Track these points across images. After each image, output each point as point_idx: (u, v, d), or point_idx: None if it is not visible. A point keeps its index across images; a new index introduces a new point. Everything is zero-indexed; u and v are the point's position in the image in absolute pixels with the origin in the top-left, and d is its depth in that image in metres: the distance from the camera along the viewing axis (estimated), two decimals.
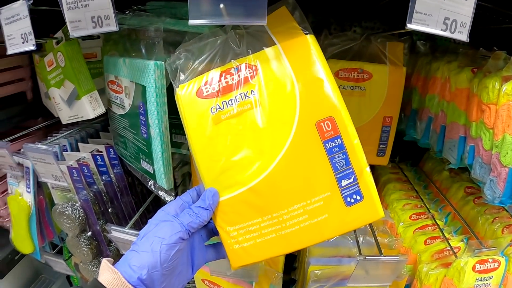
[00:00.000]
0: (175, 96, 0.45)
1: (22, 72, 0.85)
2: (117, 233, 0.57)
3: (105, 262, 0.41)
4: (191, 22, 0.38)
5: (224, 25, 0.46)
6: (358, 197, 0.41)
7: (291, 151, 0.41)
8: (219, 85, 0.43)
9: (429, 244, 0.69)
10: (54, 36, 0.63)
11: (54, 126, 0.86)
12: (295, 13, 0.44)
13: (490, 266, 0.58)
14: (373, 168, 0.93)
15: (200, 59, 0.45)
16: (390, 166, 0.90)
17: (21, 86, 0.86)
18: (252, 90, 0.43)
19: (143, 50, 0.56)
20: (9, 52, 0.55)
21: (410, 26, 0.36)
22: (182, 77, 0.45)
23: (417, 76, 0.75)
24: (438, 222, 0.71)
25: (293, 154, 0.41)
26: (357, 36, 0.66)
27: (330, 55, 0.65)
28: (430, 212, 0.74)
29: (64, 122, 0.69)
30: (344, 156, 0.41)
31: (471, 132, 0.57)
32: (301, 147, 0.41)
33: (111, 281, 0.38)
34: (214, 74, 0.44)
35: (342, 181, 0.41)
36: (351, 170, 0.41)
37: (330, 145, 0.41)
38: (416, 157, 0.93)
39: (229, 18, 0.38)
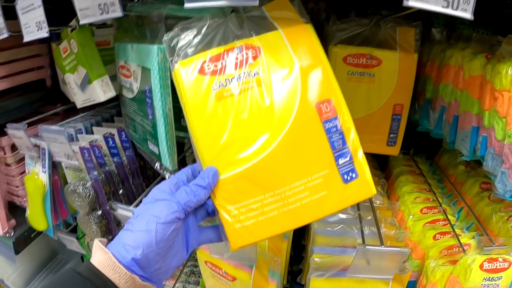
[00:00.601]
0: (173, 72, 0.45)
1: (42, 60, 0.89)
2: (123, 211, 0.59)
3: (96, 243, 0.39)
4: (188, 5, 0.39)
5: (224, 8, 0.47)
6: (354, 175, 0.43)
7: (293, 129, 0.42)
8: (222, 63, 0.44)
9: (438, 239, 0.67)
10: (69, 24, 0.67)
11: (72, 112, 0.90)
12: (294, 2, 0.46)
13: (500, 265, 0.55)
14: (385, 159, 0.92)
15: (200, 38, 0.45)
16: (404, 158, 0.88)
17: (40, 73, 0.90)
18: (255, 70, 0.43)
19: (148, 36, 0.57)
20: (26, 39, 0.58)
21: (409, 3, 0.34)
22: (181, 54, 0.45)
23: (431, 64, 0.72)
24: (449, 217, 0.69)
25: (295, 132, 0.42)
26: (367, 22, 0.64)
27: (338, 41, 0.64)
28: (442, 206, 0.72)
29: (78, 106, 0.72)
30: (341, 136, 0.43)
31: (484, 122, 0.54)
32: (303, 126, 0.42)
33: (102, 261, 0.37)
34: (216, 52, 0.44)
35: (339, 159, 0.43)
36: (347, 149, 0.43)
37: (329, 125, 0.43)
38: (432, 150, 0.90)
39: (225, 0, 0.38)
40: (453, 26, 0.77)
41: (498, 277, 0.56)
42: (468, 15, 0.36)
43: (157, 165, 0.61)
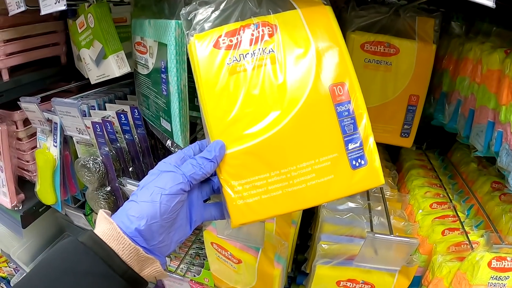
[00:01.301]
0: (188, 45, 0.45)
1: (57, 36, 0.90)
2: (132, 187, 0.59)
3: (101, 213, 0.39)
4: None
5: None
6: (363, 162, 0.42)
7: (304, 109, 0.42)
8: (237, 38, 0.44)
9: (446, 235, 0.66)
10: (87, 0, 0.67)
11: (85, 90, 0.90)
12: None
13: (508, 265, 0.54)
14: (397, 152, 0.91)
15: (217, 13, 0.45)
16: (416, 152, 0.87)
17: (55, 50, 0.91)
18: (271, 47, 0.43)
19: (167, 11, 0.57)
20: (43, 12, 0.58)
21: None
22: (198, 27, 0.45)
23: (449, 58, 0.71)
24: (459, 214, 0.68)
25: (306, 112, 0.42)
26: (386, 9, 0.63)
27: (356, 27, 0.63)
28: (452, 202, 0.71)
29: (93, 82, 0.72)
30: (353, 121, 0.42)
31: (500, 117, 0.53)
32: (314, 107, 0.42)
33: (106, 232, 0.37)
34: (233, 27, 0.44)
35: (349, 144, 0.42)
36: (358, 135, 0.42)
37: (341, 108, 0.42)
38: (444, 146, 0.89)
39: None
40: (473, 20, 0.75)
41: (505, 276, 0.55)
42: (490, 2, 0.35)
43: (168, 142, 0.61)
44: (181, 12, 0.46)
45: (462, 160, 0.82)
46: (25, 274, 0.45)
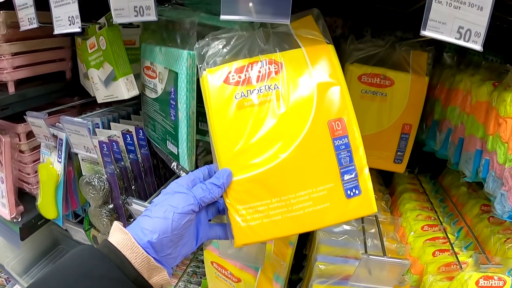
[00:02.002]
0: (201, 78, 0.49)
1: (63, 52, 0.92)
2: (137, 206, 0.61)
3: (116, 224, 0.43)
4: (223, 17, 0.43)
5: (253, 22, 0.50)
6: (357, 192, 0.45)
7: (304, 142, 0.45)
8: (245, 74, 0.47)
9: (437, 256, 0.69)
10: (97, 21, 0.69)
11: (88, 105, 0.92)
12: (319, 22, 0.49)
13: (495, 283, 0.57)
14: (390, 176, 0.95)
15: (228, 48, 0.49)
16: (408, 176, 0.90)
17: (61, 65, 0.93)
18: (275, 84, 0.47)
19: (178, 40, 0.60)
20: (56, 32, 0.60)
21: (425, 32, 0.37)
22: (210, 62, 0.48)
23: (441, 87, 0.75)
24: (449, 235, 0.71)
25: (305, 146, 0.45)
26: (383, 43, 0.67)
27: (354, 60, 0.67)
28: (442, 225, 0.74)
29: (99, 101, 0.74)
30: (349, 154, 0.46)
31: (488, 146, 0.57)
32: (313, 141, 0.45)
33: (121, 241, 0.41)
34: (241, 63, 0.48)
35: (345, 175, 0.45)
36: (354, 167, 0.45)
37: (338, 142, 0.45)
38: (436, 170, 0.93)
39: (257, 16, 0.42)
40: (464, 51, 0.80)
41: None
42: (478, 47, 0.39)
43: (174, 164, 0.63)
44: (195, 46, 0.50)
45: (452, 183, 0.86)
46: (37, 277, 0.47)
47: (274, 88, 0.46)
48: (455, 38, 0.39)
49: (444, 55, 0.78)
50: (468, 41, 0.39)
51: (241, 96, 0.46)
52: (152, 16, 0.50)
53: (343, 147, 0.45)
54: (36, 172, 0.88)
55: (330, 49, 0.48)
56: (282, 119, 0.46)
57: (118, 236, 0.41)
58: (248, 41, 0.49)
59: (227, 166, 0.46)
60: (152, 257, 0.41)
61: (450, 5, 0.38)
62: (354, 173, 0.45)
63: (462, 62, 0.77)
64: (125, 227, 0.43)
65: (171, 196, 0.44)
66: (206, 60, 0.49)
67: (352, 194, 0.45)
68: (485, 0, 0.38)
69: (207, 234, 0.49)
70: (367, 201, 0.45)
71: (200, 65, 0.49)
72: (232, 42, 0.49)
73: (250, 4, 0.41)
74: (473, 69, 0.70)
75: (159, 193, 0.47)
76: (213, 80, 0.47)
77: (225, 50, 0.49)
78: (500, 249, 0.66)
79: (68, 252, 0.42)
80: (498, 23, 0.61)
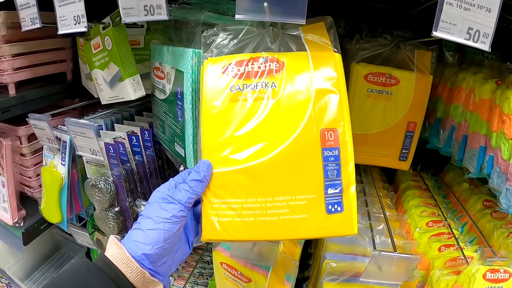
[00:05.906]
0: (201, 67, 0.48)
1: (64, 53, 0.91)
2: None
3: (112, 239, 0.43)
4: (237, 17, 0.42)
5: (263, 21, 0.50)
6: (339, 208, 0.43)
7: (291, 146, 0.44)
8: (245, 68, 0.46)
9: (443, 251, 0.70)
10: (102, 21, 0.68)
11: (90, 107, 0.91)
12: (331, 31, 0.48)
13: (501, 276, 0.58)
14: (394, 173, 0.96)
15: (234, 42, 0.48)
16: (411, 173, 0.91)
17: (62, 66, 0.91)
18: (273, 82, 0.45)
19: (185, 40, 0.59)
20: (60, 32, 0.59)
21: (436, 33, 0.38)
22: (215, 51, 0.48)
23: (443, 85, 0.76)
24: (454, 231, 0.72)
25: (292, 150, 0.44)
26: (387, 43, 0.68)
27: (360, 59, 0.67)
28: (447, 220, 0.75)
29: (103, 102, 0.73)
30: (337, 167, 0.44)
31: (491, 142, 0.58)
32: (301, 147, 0.44)
33: (116, 255, 0.41)
34: (243, 57, 0.47)
35: (329, 189, 0.43)
36: (340, 182, 0.43)
37: (328, 153, 0.44)
38: (438, 167, 0.94)
39: (271, 15, 0.41)
40: (464, 50, 0.81)
41: (499, 286, 0.59)
42: (486, 47, 0.40)
43: (181, 168, 0.62)
44: (202, 35, 0.49)
45: (454, 180, 0.87)
46: None
47: (271, 86, 0.45)
48: (465, 39, 0.40)
49: (446, 54, 0.79)
50: (477, 41, 0.40)
51: (237, 89, 0.46)
52: (163, 15, 0.49)
53: (332, 159, 0.43)
54: (37, 175, 0.87)
55: (337, 58, 0.46)
56: (273, 119, 0.44)
57: (114, 250, 0.42)
58: (256, 38, 0.49)
59: (208, 156, 0.45)
60: (148, 268, 0.42)
61: (460, 7, 0.39)
62: (339, 188, 0.43)
63: (464, 61, 0.79)
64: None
65: (158, 206, 0.44)
66: (211, 49, 0.48)
67: (333, 210, 0.43)
68: (493, 2, 0.39)
69: (196, 232, 0.49)
70: (348, 220, 0.43)
71: (204, 53, 0.49)
72: (239, 36, 0.49)
73: (265, 4, 0.41)
74: (475, 68, 0.71)
75: None
76: (212, 69, 0.47)
77: (232, 42, 0.49)
78: (504, 243, 0.68)
79: (69, 257, 0.42)
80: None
